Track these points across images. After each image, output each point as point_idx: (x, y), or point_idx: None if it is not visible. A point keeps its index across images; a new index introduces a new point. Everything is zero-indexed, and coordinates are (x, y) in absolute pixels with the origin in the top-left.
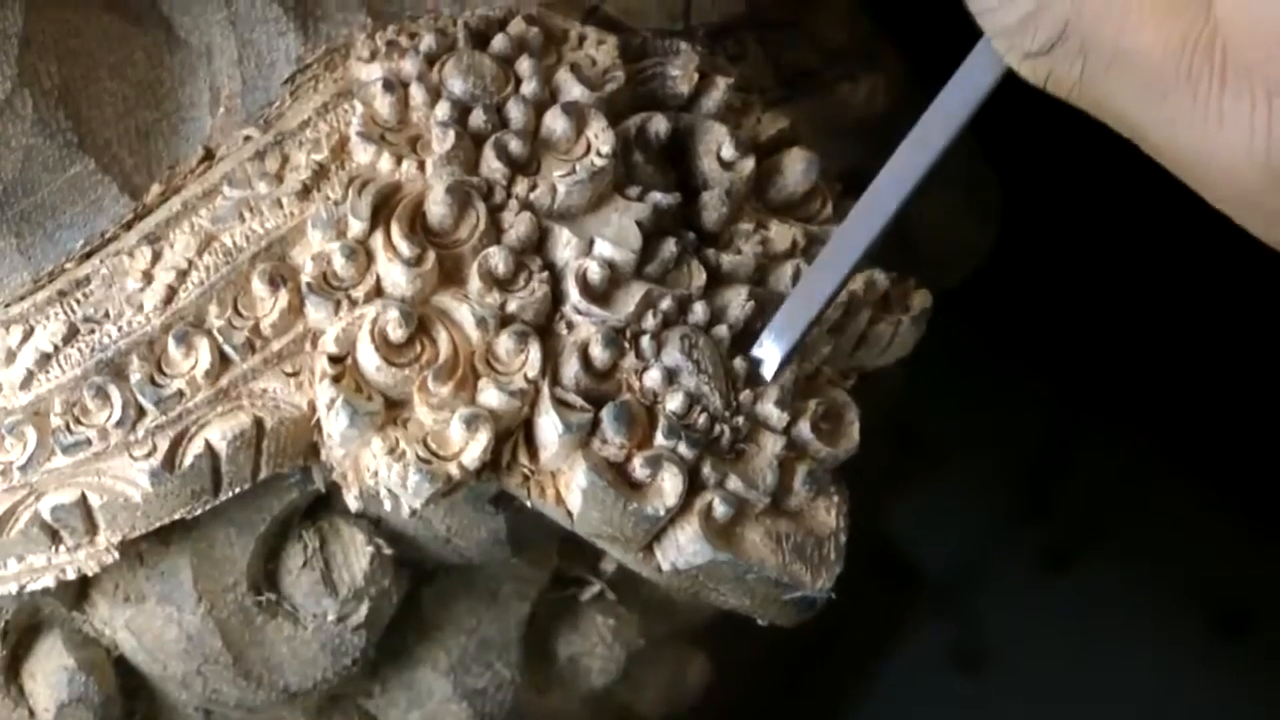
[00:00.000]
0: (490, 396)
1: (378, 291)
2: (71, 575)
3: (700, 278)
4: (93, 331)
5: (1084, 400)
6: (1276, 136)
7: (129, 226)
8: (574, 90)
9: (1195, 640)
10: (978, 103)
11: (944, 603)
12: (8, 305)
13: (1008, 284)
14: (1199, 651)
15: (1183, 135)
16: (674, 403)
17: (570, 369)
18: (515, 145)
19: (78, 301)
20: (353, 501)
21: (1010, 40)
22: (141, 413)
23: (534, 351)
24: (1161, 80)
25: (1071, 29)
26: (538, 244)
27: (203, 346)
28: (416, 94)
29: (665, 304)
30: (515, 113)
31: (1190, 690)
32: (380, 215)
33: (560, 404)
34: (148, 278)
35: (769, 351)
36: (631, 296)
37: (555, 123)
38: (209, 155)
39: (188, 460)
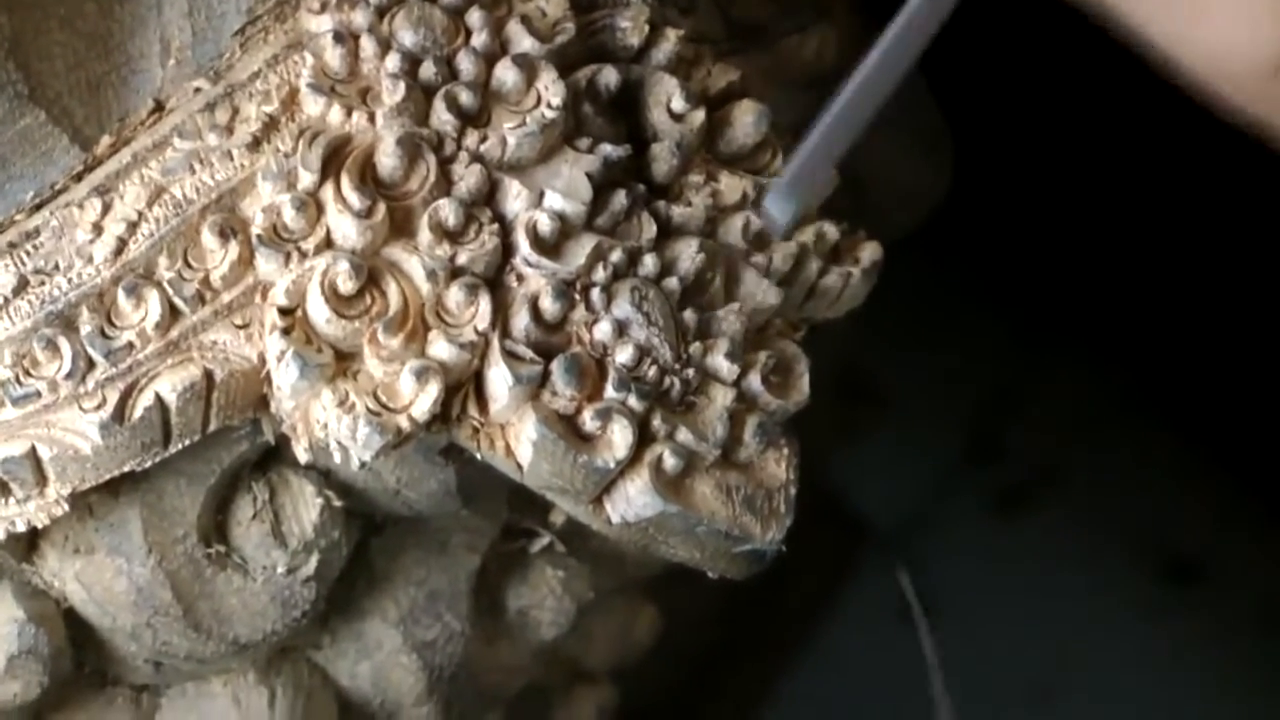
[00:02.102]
0: (440, 349)
1: (328, 243)
2: (21, 527)
3: (651, 230)
4: (42, 283)
5: (1034, 346)
6: (1257, 27)
7: (79, 178)
8: (524, 42)
9: (1146, 587)
10: None
11: (892, 551)
12: None
13: (957, 229)
14: (1150, 598)
15: (1163, 25)
16: (624, 355)
17: (520, 321)
18: (466, 97)
19: (27, 253)
20: (302, 454)
21: None
22: (91, 365)
23: (484, 304)
24: None
25: None
26: (488, 196)
27: (153, 298)
28: (367, 46)
29: (615, 256)
30: (466, 65)
31: (1141, 636)
32: (330, 167)
33: (510, 356)
34: (98, 229)
35: (779, 203)
36: (582, 249)
37: (506, 75)
38: (159, 107)
39: (137, 412)
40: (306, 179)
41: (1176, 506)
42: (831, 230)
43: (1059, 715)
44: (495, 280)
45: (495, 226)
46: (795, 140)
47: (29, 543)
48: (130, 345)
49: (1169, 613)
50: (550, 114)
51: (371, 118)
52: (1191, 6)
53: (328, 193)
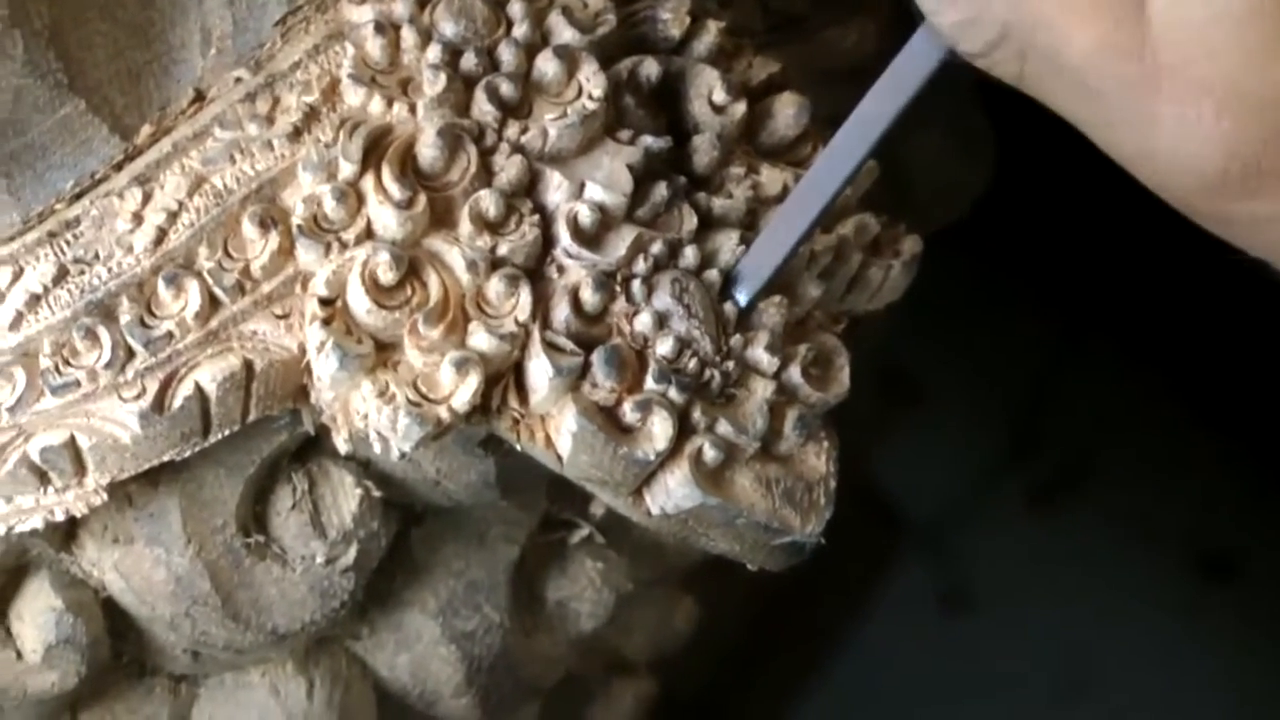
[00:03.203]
0: (480, 340)
1: (368, 234)
2: (60, 517)
3: (691, 222)
4: (82, 273)
5: (1070, 341)
6: (1206, 137)
7: (119, 167)
8: (565, 33)
9: (1180, 582)
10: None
11: (929, 544)
12: None
13: (995, 223)
14: (1184, 593)
15: (1119, 135)
16: (664, 347)
17: (561, 312)
18: (506, 88)
19: (67, 243)
20: (342, 444)
21: (952, 38)
22: (131, 354)
23: (524, 295)
24: (1096, 84)
25: (1010, 32)
26: (528, 187)
27: (193, 288)
28: (408, 36)
29: (656, 248)
30: (506, 55)
31: (1175, 632)
32: (371, 158)
33: (550, 347)
34: (138, 219)
35: (741, 285)
36: (622, 240)
37: (547, 66)
38: (199, 97)
39: (177, 402)
40: (347, 169)
41: (1212, 502)
42: (872, 223)
43: (1092, 709)
44: (535, 271)
45: (536, 218)
46: (833, 131)
47: (67, 532)
48: (170, 335)
49: (1203, 608)
50: (591, 105)
51: (412, 108)
52: (1144, 122)
53: (368, 183)
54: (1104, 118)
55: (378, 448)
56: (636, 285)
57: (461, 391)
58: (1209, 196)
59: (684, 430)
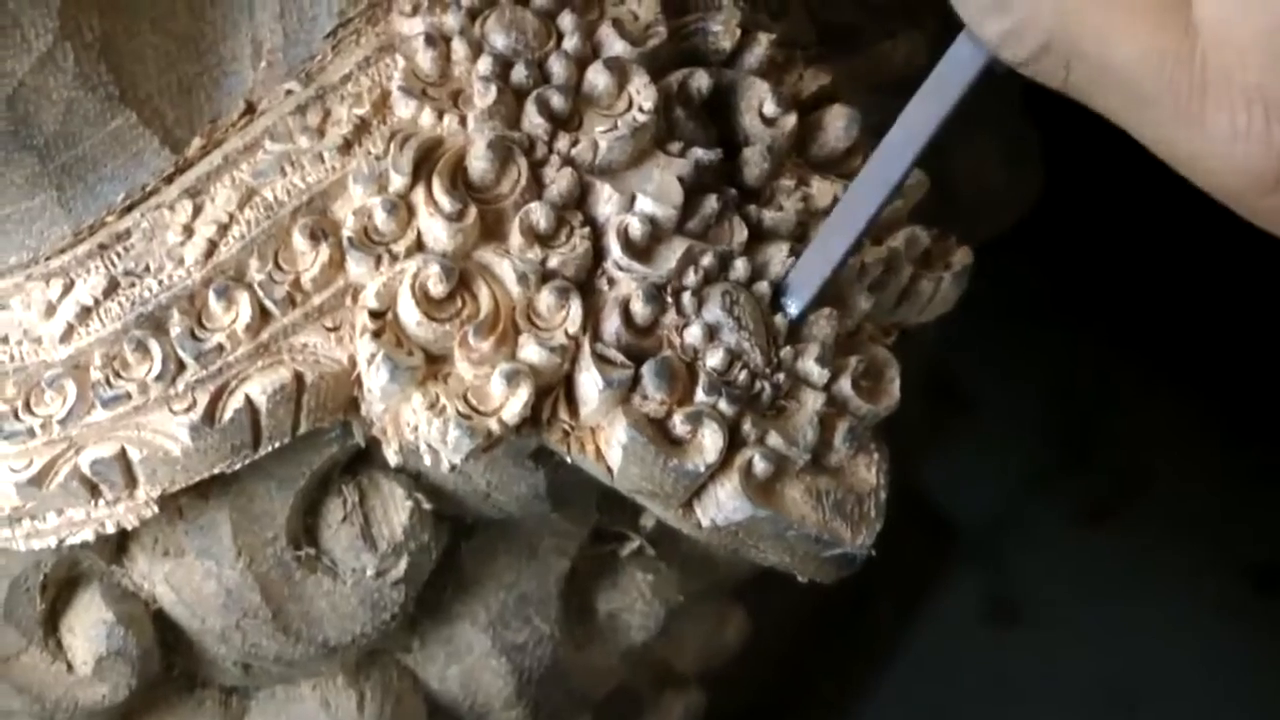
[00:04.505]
0: (531, 352)
1: (419, 246)
2: (110, 529)
3: (742, 234)
4: (133, 285)
5: (1120, 352)
6: (1254, 140)
7: (170, 180)
8: (616, 45)
9: (1231, 594)
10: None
11: (979, 556)
12: (48, 258)
13: (1043, 234)
14: (1235, 606)
15: (1167, 138)
16: (715, 359)
17: (611, 325)
18: (557, 100)
19: (118, 255)
20: (392, 456)
21: (995, 47)
22: (181, 367)
23: (575, 307)
24: (1143, 90)
25: (1054, 41)
26: (579, 199)
27: (243, 300)
28: (458, 49)
29: (706, 260)
30: (557, 68)
31: (1226, 644)
32: (422, 170)
33: (601, 360)
34: (188, 231)
35: (793, 297)
36: (673, 253)
37: (597, 78)
38: (250, 109)
39: (227, 414)
40: (398, 181)
41: (1264, 515)
42: (923, 235)
43: None
44: (586, 284)
45: (586, 230)
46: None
47: (118, 545)
48: (220, 347)
49: (1255, 622)
50: (642, 117)
51: (463, 120)
52: (1192, 126)
53: (419, 195)
54: (1152, 121)
55: (428, 460)
56: (687, 297)
57: (512, 404)
58: (1261, 196)
59: (734, 442)
